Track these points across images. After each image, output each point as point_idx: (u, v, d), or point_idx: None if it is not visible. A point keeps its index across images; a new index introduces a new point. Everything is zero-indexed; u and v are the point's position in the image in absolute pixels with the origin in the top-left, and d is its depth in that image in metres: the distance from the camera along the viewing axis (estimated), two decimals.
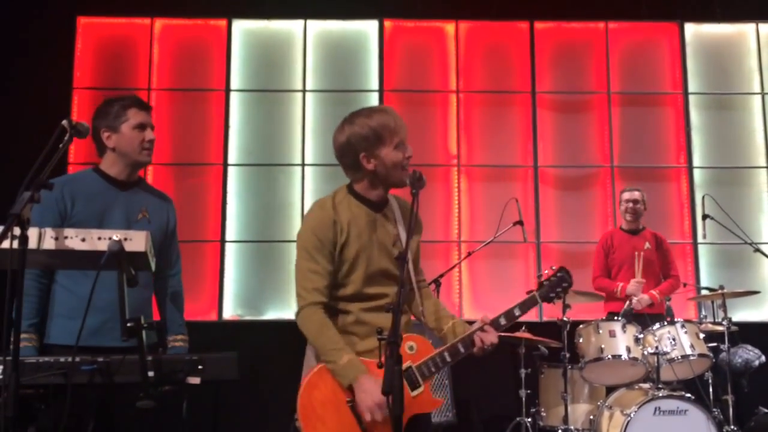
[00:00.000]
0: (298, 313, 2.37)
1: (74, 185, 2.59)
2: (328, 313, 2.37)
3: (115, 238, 1.99)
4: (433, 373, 2.35)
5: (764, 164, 5.99)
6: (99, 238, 2.00)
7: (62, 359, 2.03)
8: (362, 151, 2.40)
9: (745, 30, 6.17)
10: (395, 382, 1.90)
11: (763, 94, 6.08)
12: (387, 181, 2.42)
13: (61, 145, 2.25)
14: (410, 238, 2.23)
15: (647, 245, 4.97)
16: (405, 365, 2.24)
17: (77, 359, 2.02)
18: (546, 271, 2.64)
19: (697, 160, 6.00)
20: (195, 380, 2.09)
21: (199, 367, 2.10)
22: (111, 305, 2.33)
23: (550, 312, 5.59)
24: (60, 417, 1.94)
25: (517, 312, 2.47)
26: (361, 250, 2.38)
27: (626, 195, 5.12)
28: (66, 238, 1.98)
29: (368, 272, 2.40)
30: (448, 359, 2.36)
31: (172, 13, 6.01)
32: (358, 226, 2.40)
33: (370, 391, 2.21)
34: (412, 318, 2.55)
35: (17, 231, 1.86)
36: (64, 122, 2.27)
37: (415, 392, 2.31)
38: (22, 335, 2.41)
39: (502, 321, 2.43)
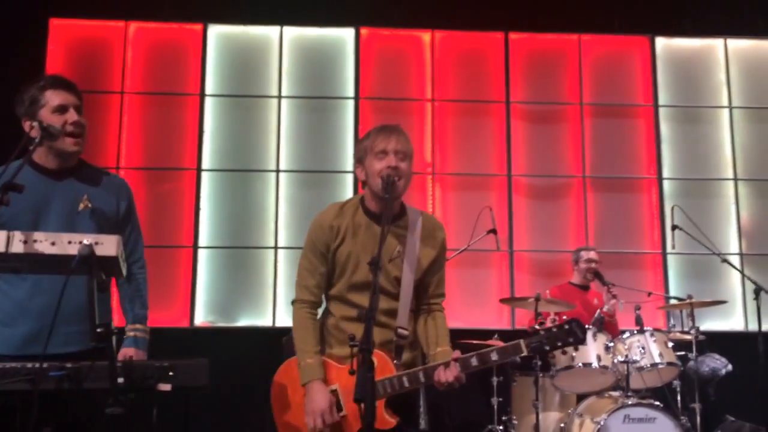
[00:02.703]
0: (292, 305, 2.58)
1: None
2: (321, 311, 2.49)
3: (85, 242, 1.96)
4: (388, 393, 2.35)
5: (732, 176, 6.12)
6: (69, 242, 1.96)
7: (29, 365, 1.99)
8: (357, 162, 2.53)
9: (714, 44, 6.31)
10: (367, 390, 1.90)
11: (731, 107, 6.22)
12: (373, 190, 2.46)
13: (31, 147, 2.22)
14: (382, 245, 2.21)
15: (596, 301, 5.03)
16: None
17: (45, 365, 1.98)
18: (552, 318, 2.43)
19: (666, 172, 6.10)
20: (166, 387, 2.07)
21: (170, 373, 2.07)
22: (47, 311, 2.25)
23: (522, 320, 5.64)
24: (25, 424, 1.90)
25: (494, 357, 2.33)
26: (351, 257, 2.43)
27: (590, 254, 5.12)
28: (35, 241, 1.94)
29: (353, 280, 2.46)
30: (406, 384, 2.36)
31: (146, 16, 5.96)
32: (355, 234, 2.46)
33: (314, 399, 2.35)
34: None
35: None
36: (35, 124, 2.24)
37: None
38: None
39: (474, 362, 2.33)
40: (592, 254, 5.15)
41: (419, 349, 2.58)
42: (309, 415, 2.34)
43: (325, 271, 2.51)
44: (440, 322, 2.56)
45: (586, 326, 4.44)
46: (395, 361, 2.42)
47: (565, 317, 2.41)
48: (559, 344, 2.33)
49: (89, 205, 2.45)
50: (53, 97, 2.39)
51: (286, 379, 2.50)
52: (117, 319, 2.62)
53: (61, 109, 2.39)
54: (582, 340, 2.34)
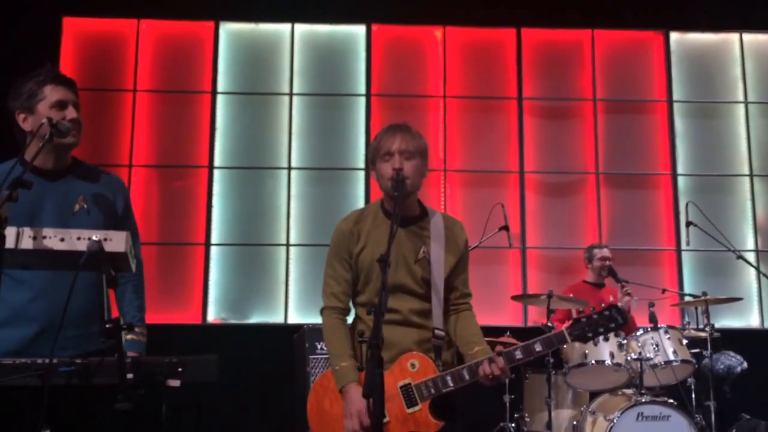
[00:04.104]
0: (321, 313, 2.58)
1: None
2: (352, 318, 2.48)
3: (94, 238, 1.96)
4: (432, 394, 2.34)
5: (747, 172, 6.05)
6: (78, 238, 1.96)
7: (39, 360, 2.00)
8: (370, 164, 2.55)
9: (730, 39, 6.23)
10: (376, 385, 1.89)
11: (746, 102, 6.14)
12: (385, 191, 2.47)
13: (41, 144, 2.22)
14: (391, 242, 2.20)
15: (611, 299, 4.96)
16: (404, 381, 2.35)
17: (55, 360, 1.99)
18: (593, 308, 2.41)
19: (681, 168, 6.04)
20: (175, 383, 2.07)
21: (179, 369, 2.07)
22: (45, 314, 2.25)
23: (534, 317, 5.61)
24: (36, 419, 1.91)
25: (537, 347, 2.35)
26: (374, 261, 2.40)
27: (603, 252, 5.08)
28: (44, 237, 1.95)
29: (380, 284, 2.42)
30: (451, 384, 2.34)
31: (159, 14, 5.98)
32: (377, 238, 2.45)
33: (353, 401, 2.31)
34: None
35: None
36: (44, 121, 2.25)
37: (412, 409, 2.33)
38: None
39: (518, 355, 2.34)
40: (605, 252, 5.11)
41: (454, 348, 2.56)
42: (349, 418, 2.31)
43: (350, 278, 2.50)
44: (472, 321, 2.55)
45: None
46: (437, 362, 2.41)
47: (603, 305, 2.41)
48: (601, 330, 2.35)
49: (85, 206, 2.39)
50: (53, 93, 2.33)
51: (322, 391, 2.46)
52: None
53: (60, 105, 2.34)
54: (622, 325, 2.36)
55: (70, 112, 2.33)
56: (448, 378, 2.34)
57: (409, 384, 2.35)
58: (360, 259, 2.48)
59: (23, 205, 2.17)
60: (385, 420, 2.35)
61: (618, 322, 2.35)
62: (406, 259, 2.45)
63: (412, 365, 2.37)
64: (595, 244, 5.27)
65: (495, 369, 2.31)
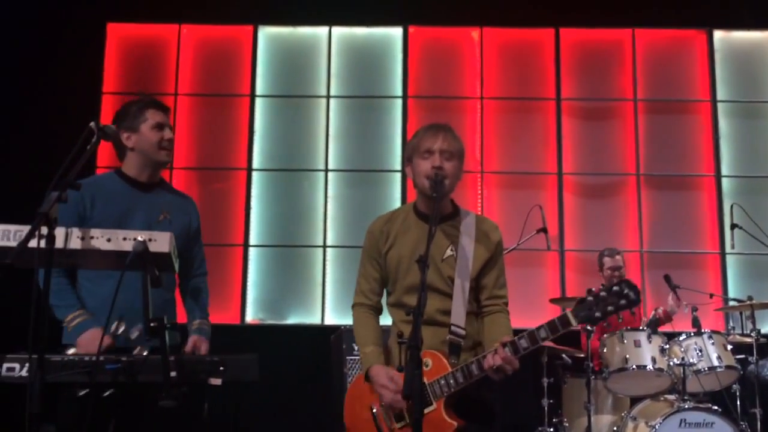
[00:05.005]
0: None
1: (95, 187, 2.61)
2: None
3: (140, 238, 2.01)
4: (445, 392, 2.31)
5: None
6: (124, 239, 2.02)
7: (86, 358, 2.05)
8: (406, 161, 2.54)
9: None
10: (415, 386, 1.89)
11: None
12: (420, 189, 2.46)
13: (88, 147, 2.28)
14: (430, 242, 2.20)
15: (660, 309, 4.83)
16: None
17: (101, 358, 2.04)
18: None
19: (725, 169, 5.90)
20: (216, 381, 2.10)
21: (221, 368, 2.11)
22: (130, 306, 2.33)
23: None
24: (83, 415, 1.95)
25: (542, 333, 2.21)
26: (402, 260, 2.44)
27: (614, 261, 4.87)
28: (92, 238, 2.01)
29: (407, 283, 2.47)
30: (461, 380, 2.31)
31: (199, 19, 6.08)
32: (406, 237, 2.47)
33: (377, 378, 2.37)
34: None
35: (44, 230, 1.88)
36: (92, 124, 2.30)
37: (427, 410, 2.30)
38: (79, 314, 2.48)
39: (523, 343, 2.23)
40: (617, 260, 4.88)
41: (481, 350, 2.48)
42: (380, 390, 2.36)
43: (380, 277, 2.56)
44: (502, 322, 2.49)
45: (641, 328, 4.33)
46: (452, 360, 2.37)
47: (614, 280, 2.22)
48: (611, 309, 2.13)
49: (168, 217, 2.69)
50: (154, 115, 2.69)
51: (352, 397, 2.50)
52: None
53: (159, 127, 2.69)
54: (636, 302, 2.12)
55: (167, 133, 2.70)
56: (459, 374, 2.31)
57: (423, 384, 2.31)
58: (388, 258, 2.52)
59: (116, 210, 2.57)
60: (403, 423, 2.35)
61: (630, 299, 2.11)
62: (434, 257, 2.44)
63: (426, 364, 2.34)
64: (606, 250, 5.00)
65: (496, 359, 2.21)
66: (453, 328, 2.41)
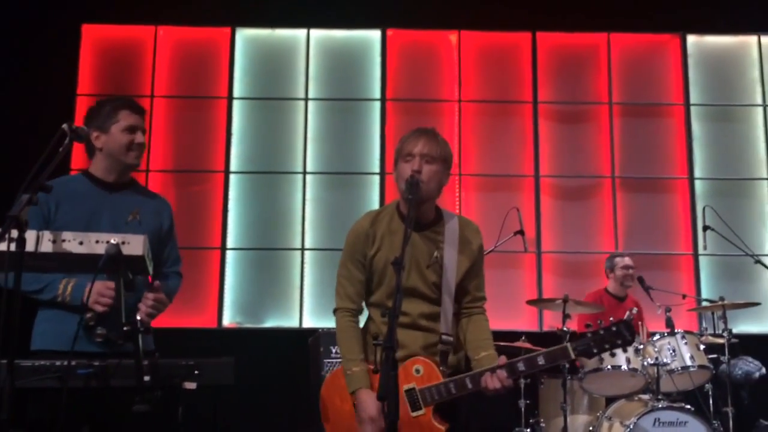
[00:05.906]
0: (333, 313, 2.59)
1: (60, 188, 2.44)
2: (364, 318, 2.50)
3: (113, 241, 1.99)
4: (436, 400, 2.36)
5: (766, 176, 5.99)
6: (97, 242, 1.99)
7: (58, 363, 2.02)
8: (394, 165, 2.54)
9: (748, 41, 6.18)
10: (390, 388, 1.89)
11: (765, 105, 6.09)
12: (401, 194, 2.46)
13: (60, 149, 2.25)
14: (405, 245, 2.20)
15: (634, 310, 4.90)
16: (409, 386, 2.37)
17: (73, 363, 2.02)
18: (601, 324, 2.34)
19: (698, 171, 5.99)
20: (191, 385, 2.09)
21: (196, 372, 2.10)
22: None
23: (550, 321, 5.58)
24: (54, 420, 1.93)
25: (541, 361, 2.30)
26: (388, 264, 2.42)
27: (625, 261, 5.01)
28: (64, 241, 1.98)
29: (392, 286, 2.44)
30: (454, 391, 2.35)
31: (176, 21, 6.04)
32: (391, 240, 2.46)
33: (365, 407, 2.33)
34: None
35: (15, 233, 1.86)
36: (64, 126, 2.27)
37: (416, 413, 2.36)
38: (66, 281, 2.41)
39: (521, 367, 2.31)
40: (627, 260, 5.05)
41: (463, 351, 2.56)
42: (362, 424, 2.34)
43: (364, 279, 2.51)
44: (483, 325, 2.53)
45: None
46: (441, 368, 2.42)
47: (611, 319, 2.36)
48: (607, 347, 2.29)
49: (137, 218, 2.61)
50: (127, 117, 2.60)
51: (333, 389, 2.49)
52: None
53: (131, 129, 2.60)
54: (630, 342, 2.28)
55: (139, 137, 2.62)
56: (452, 385, 2.35)
57: (414, 389, 2.37)
58: (374, 261, 2.49)
59: (83, 212, 2.49)
60: None
61: (626, 339, 2.27)
62: (419, 263, 2.46)
63: (417, 370, 2.39)
64: (616, 253, 5.21)
65: (496, 383, 2.30)
66: (444, 337, 2.45)
